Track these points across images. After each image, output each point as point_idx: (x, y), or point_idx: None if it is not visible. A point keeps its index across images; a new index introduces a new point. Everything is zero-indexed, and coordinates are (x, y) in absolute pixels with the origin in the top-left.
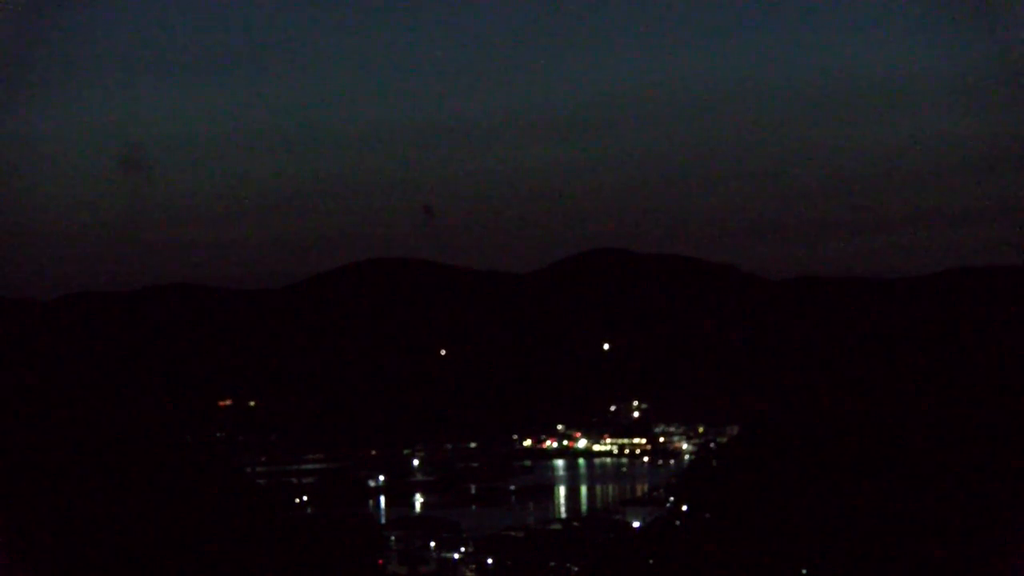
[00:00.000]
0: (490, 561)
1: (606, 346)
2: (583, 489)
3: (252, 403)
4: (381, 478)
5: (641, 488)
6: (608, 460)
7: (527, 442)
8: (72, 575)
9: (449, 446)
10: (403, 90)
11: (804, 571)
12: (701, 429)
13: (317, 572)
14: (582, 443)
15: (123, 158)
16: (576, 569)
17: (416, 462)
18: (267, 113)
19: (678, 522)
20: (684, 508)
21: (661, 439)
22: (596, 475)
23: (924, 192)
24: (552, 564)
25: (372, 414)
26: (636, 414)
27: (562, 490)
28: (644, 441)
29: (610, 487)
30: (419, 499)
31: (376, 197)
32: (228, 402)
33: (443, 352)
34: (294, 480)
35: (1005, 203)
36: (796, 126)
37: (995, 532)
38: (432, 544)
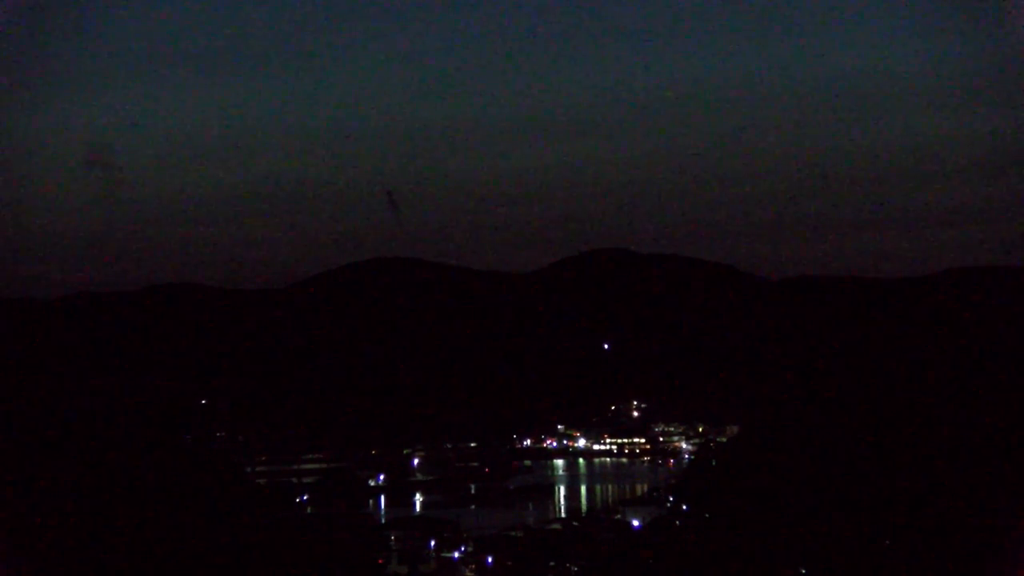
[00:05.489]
0: (490, 561)
1: (606, 346)
2: (583, 489)
3: (252, 403)
4: (381, 478)
5: (641, 488)
6: (608, 460)
7: (527, 442)
8: (73, 574)
9: (449, 446)
10: (405, 90)
11: (803, 571)
12: (701, 429)
13: (317, 572)
14: (582, 443)
15: (123, 158)
16: (576, 569)
17: (416, 462)
18: (269, 114)
19: (678, 522)
20: (684, 508)
21: (661, 439)
22: (596, 475)
23: (924, 192)
24: (552, 564)
25: (372, 414)
26: (636, 414)
27: (562, 490)
28: (644, 441)
29: (610, 487)
30: (419, 499)
31: (377, 197)
32: (228, 402)
33: (443, 352)
34: (294, 480)
35: (1005, 203)
36: (796, 126)
37: (994, 530)
38: (432, 544)
